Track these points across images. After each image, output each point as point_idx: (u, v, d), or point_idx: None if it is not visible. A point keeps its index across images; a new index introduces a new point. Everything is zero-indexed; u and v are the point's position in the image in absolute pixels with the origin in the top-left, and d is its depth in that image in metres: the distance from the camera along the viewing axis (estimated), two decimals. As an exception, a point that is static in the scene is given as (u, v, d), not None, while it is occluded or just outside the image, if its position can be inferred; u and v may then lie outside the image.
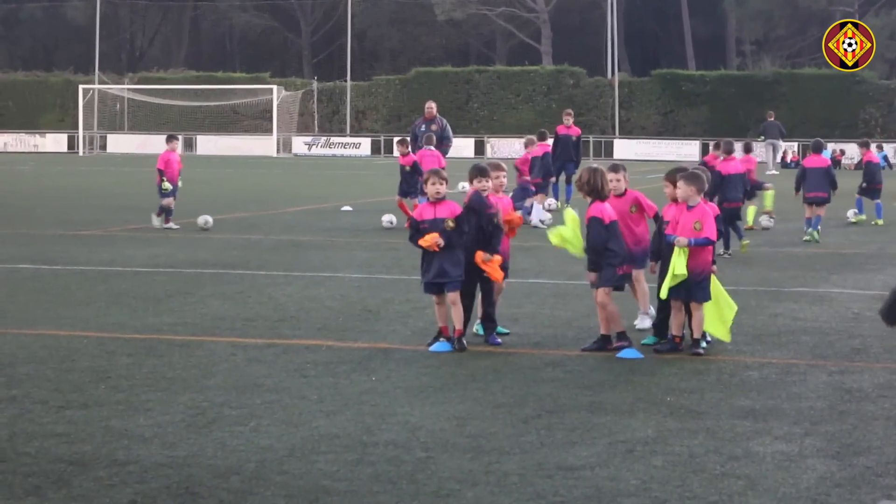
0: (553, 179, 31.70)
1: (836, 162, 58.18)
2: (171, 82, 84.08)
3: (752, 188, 24.66)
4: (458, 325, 12.44)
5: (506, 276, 13.04)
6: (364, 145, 78.01)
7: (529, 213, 27.20)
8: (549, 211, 28.21)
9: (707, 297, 12.28)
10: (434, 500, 7.59)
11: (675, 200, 12.70)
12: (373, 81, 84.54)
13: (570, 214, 12.75)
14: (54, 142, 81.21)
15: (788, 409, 10.00)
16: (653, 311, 13.57)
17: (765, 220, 26.83)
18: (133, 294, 16.22)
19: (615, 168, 13.28)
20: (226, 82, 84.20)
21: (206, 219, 25.66)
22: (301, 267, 19.43)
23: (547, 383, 10.90)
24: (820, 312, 15.10)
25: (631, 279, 12.98)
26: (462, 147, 67.00)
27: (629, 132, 76.89)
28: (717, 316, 12.37)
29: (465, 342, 12.40)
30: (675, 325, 12.44)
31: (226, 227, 25.53)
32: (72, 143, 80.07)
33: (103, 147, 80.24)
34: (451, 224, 12.45)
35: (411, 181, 26.86)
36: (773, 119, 58.22)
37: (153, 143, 76.81)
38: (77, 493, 7.67)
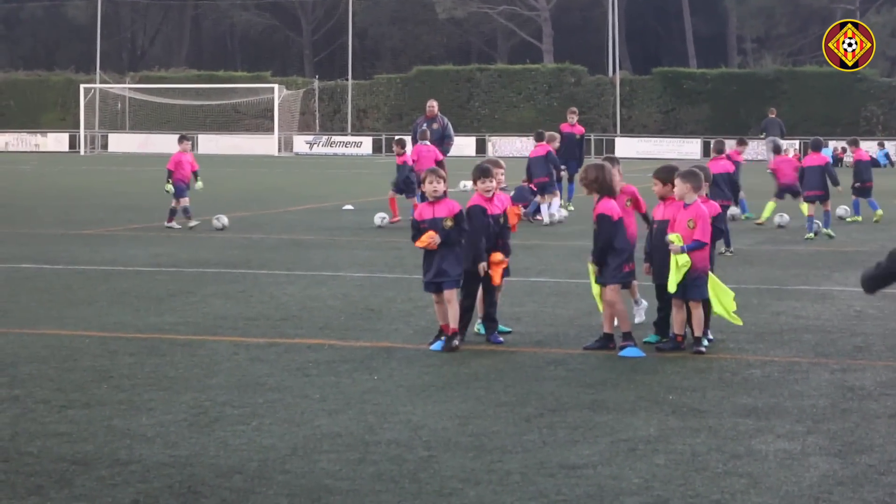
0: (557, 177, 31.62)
1: (837, 159, 58.16)
2: (172, 81, 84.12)
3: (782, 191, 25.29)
4: (453, 324, 12.42)
5: (507, 275, 13.05)
6: (365, 144, 78.03)
7: (540, 212, 27.32)
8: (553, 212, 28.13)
9: (703, 295, 12.27)
10: (436, 499, 7.59)
11: (662, 199, 12.69)
12: (374, 80, 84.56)
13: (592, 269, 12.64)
14: (56, 141, 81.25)
15: (791, 408, 10.00)
16: (644, 302, 13.64)
17: (778, 218, 26.77)
18: (135, 293, 16.22)
19: (609, 162, 13.30)
20: (227, 81, 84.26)
21: (220, 219, 25.52)
22: (303, 266, 19.43)
23: (549, 382, 10.89)
24: (822, 310, 15.09)
25: (634, 276, 12.97)
26: (463, 145, 67.01)
27: (630, 130, 76.91)
28: (719, 306, 12.34)
29: (455, 342, 12.32)
30: (676, 324, 12.44)
31: (228, 227, 25.51)
32: (73, 143, 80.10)
33: (105, 146, 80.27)
34: (449, 223, 12.44)
35: (408, 180, 26.98)
36: (774, 116, 58.21)
37: (154, 143, 77.03)
38: (79, 493, 7.67)
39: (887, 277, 8.62)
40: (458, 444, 8.79)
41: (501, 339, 12.82)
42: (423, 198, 13.13)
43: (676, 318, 12.42)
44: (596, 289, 12.55)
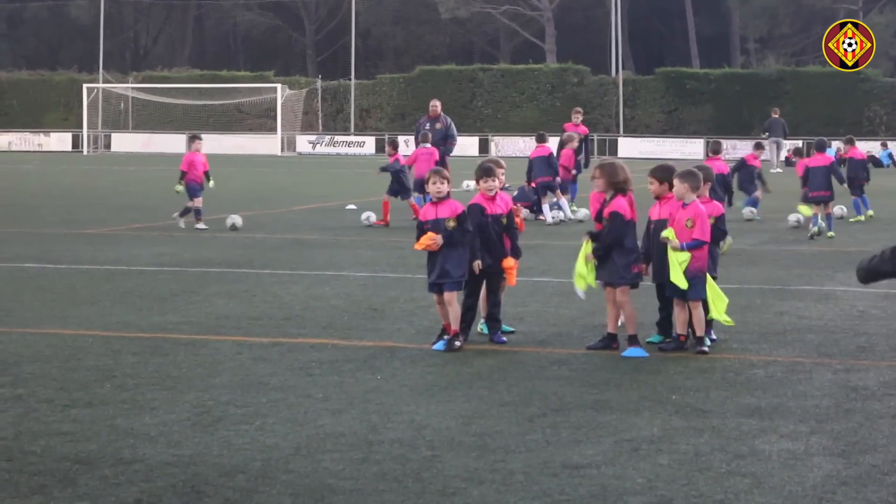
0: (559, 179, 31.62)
1: (842, 160, 58.05)
2: (175, 81, 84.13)
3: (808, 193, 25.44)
4: (455, 325, 12.42)
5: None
6: (368, 144, 77.99)
7: (560, 209, 27.48)
8: (560, 209, 28.14)
9: (701, 296, 12.26)
10: (440, 498, 7.59)
11: (658, 198, 12.68)
12: (377, 80, 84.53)
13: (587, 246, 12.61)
14: (59, 141, 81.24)
15: (794, 408, 9.99)
16: None
17: (793, 217, 26.73)
18: (138, 293, 16.23)
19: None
20: (230, 81, 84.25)
21: (234, 219, 25.46)
22: (306, 266, 19.43)
23: (552, 382, 10.89)
24: (825, 310, 15.08)
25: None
26: (466, 145, 66.99)
27: (633, 130, 76.89)
28: (714, 311, 12.32)
29: (457, 343, 12.31)
30: (679, 324, 12.43)
31: (240, 227, 25.48)
32: (76, 142, 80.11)
33: (107, 146, 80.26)
34: (451, 223, 12.45)
35: (400, 181, 27.05)
36: (777, 116, 58.19)
37: (157, 142, 77.05)
38: (83, 492, 7.67)
39: (877, 274, 8.75)
40: (461, 444, 8.79)
41: (505, 338, 12.82)
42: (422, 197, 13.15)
43: (679, 318, 12.41)
44: (581, 265, 12.51)
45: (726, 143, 68.37)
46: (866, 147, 63.58)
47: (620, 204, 12.39)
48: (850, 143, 31.08)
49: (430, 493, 7.67)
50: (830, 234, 24.49)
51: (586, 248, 12.50)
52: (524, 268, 17.20)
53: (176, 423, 9.35)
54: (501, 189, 13.16)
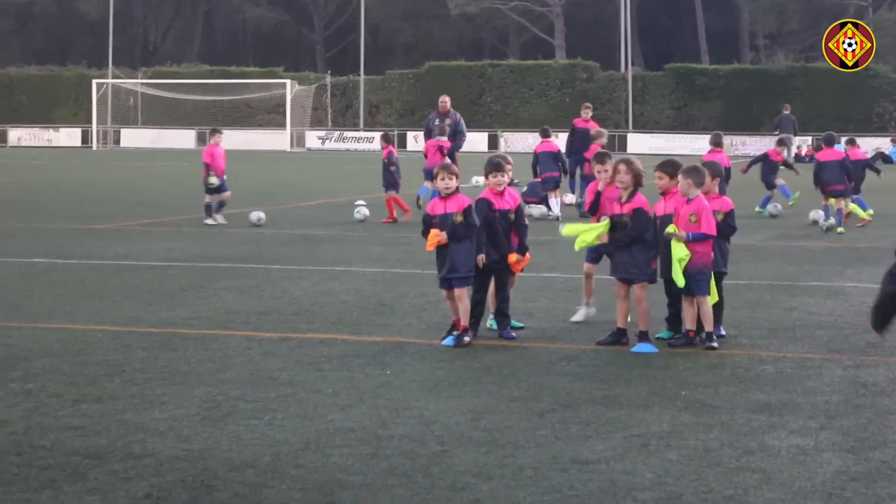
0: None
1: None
2: (184, 77, 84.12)
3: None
4: (464, 321, 12.42)
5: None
6: (377, 140, 77.90)
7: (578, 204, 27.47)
8: (569, 205, 28.15)
9: (706, 291, 12.27)
10: (449, 493, 7.59)
11: (663, 193, 12.67)
12: (386, 76, 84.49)
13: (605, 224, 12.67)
14: (68, 136, 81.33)
15: (804, 403, 9.99)
16: (593, 309, 13.59)
17: (813, 214, 26.65)
18: (147, 288, 16.25)
19: (601, 158, 13.30)
20: (239, 77, 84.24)
21: (258, 215, 25.44)
22: (315, 261, 19.44)
23: (561, 377, 10.89)
24: (835, 306, 15.06)
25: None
26: (476, 141, 66.93)
27: (643, 126, 76.79)
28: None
29: (466, 339, 12.31)
30: (688, 319, 12.43)
31: (240, 222, 25.54)
32: (85, 138, 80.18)
33: (117, 142, 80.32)
34: (458, 218, 12.45)
35: (389, 174, 27.02)
36: (788, 112, 58.13)
37: (167, 138, 77.11)
38: (92, 486, 7.68)
39: (885, 308, 8.13)
40: (470, 439, 8.79)
41: (514, 334, 12.83)
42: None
43: (688, 314, 12.41)
44: (590, 236, 12.55)
45: (735, 140, 68.77)
46: (876, 143, 63.58)
47: (643, 200, 12.44)
48: (852, 143, 31.07)
49: (439, 489, 7.67)
50: (840, 229, 24.46)
51: (605, 227, 12.53)
52: (533, 263, 17.17)
53: (185, 417, 9.36)
54: (509, 184, 13.15)
